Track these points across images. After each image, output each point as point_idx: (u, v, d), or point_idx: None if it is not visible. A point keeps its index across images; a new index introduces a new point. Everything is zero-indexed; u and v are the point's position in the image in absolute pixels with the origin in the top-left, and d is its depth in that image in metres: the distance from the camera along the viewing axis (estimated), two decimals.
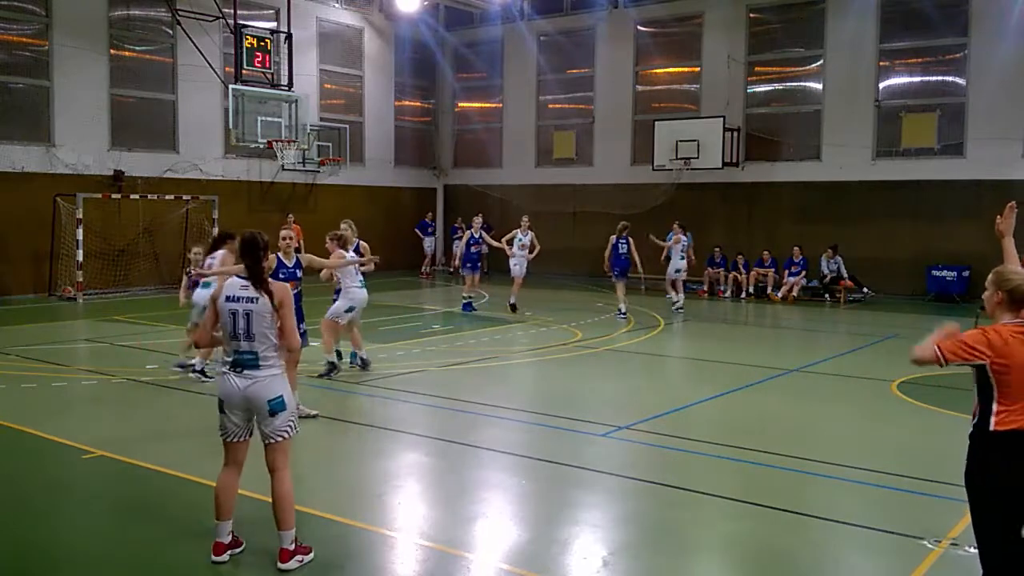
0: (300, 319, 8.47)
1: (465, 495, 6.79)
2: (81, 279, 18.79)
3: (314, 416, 8.73)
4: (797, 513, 6.29)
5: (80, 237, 18.61)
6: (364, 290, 10.63)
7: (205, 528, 6.13)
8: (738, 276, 21.66)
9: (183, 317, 13.84)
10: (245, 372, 5.24)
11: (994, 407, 3.95)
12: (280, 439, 5.27)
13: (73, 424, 8.67)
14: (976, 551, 4.20)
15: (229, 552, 5.34)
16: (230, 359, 5.31)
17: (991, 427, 3.94)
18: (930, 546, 5.59)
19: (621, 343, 14.07)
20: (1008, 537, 3.81)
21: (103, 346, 13.25)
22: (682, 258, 18.32)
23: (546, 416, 9.16)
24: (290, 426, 5.31)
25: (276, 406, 5.22)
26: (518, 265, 17.52)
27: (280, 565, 5.20)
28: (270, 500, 5.35)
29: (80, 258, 18.71)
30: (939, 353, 4.02)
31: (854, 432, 8.92)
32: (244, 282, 5.23)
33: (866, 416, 9.50)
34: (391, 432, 8.55)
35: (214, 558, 5.28)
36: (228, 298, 5.24)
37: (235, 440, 5.39)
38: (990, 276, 4.33)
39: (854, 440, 8.58)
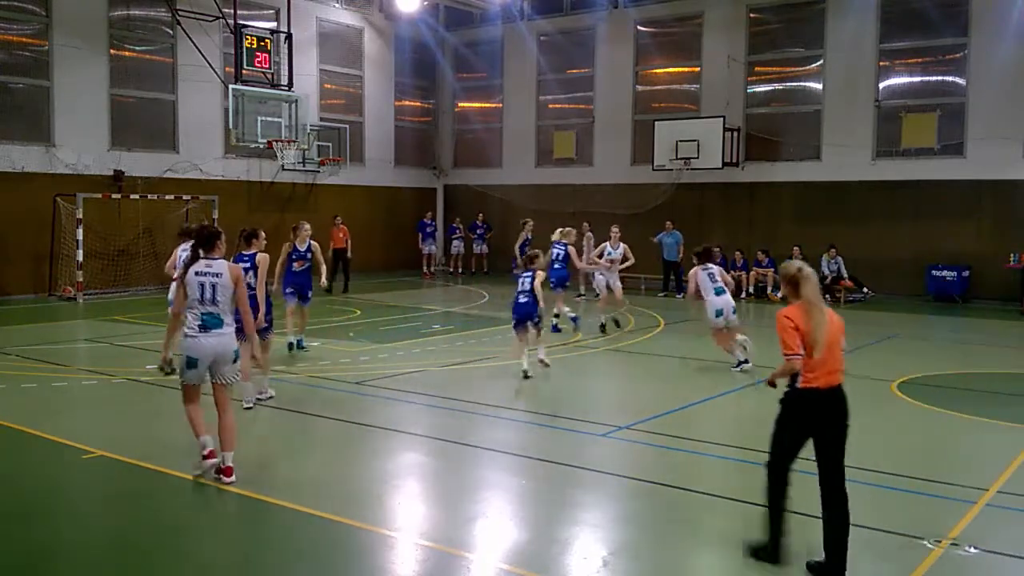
0: (308, 289, 12.40)
1: (465, 495, 6.78)
2: (81, 279, 18.79)
3: (270, 397, 9.45)
4: (797, 513, 6.28)
5: (80, 237, 18.61)
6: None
7: (205, 528, 6.14)
8: (735, 274, 21.63)
9: None
10: (212, 331, 6.69)
11: (805, 372, 5.29)
12: (231, 381, 6.93)
13: (73, 424, 8.67)
14: (976, 551, 5.22)
15: (214, 460, 6.80)
16: (198, 320, 6.67)
17: (799, 384, 5.34)
18: (930, 546, 5.59)
19: (621, 343, 14.07)
20: (792, 447, 5.55)
21: (103, 346, 13.25)
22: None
23: (546, 416, 9.16)
24: (238, 373, 7.07)
25: (235, 355, 6.88)
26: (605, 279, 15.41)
27: (225, 479, 6.70)
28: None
29: (80, 258, 18.70)
30: (788, 357, 5.27)
31: (854, 432, 8.86)
32: (208, 261, 6.72)
33: (866, 416, 9.48)
34: (391, 432, 8.55)
35: (210, 461, 6.80)
36: (197, 272, 6.68)
37: (196, 384, 6.88)
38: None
39: (854, 440, 8.51)
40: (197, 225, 7.22)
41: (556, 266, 14.52)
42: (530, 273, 11.34)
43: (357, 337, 14.35)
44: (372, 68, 26.76)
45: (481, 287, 22.19)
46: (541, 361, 11.31)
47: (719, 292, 11.84)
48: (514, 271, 18.25)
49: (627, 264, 15.44)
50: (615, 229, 15.80)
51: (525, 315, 11.25)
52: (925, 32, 20.79)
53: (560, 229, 15.11)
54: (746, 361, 11.55)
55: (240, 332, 7.11)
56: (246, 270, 8.94)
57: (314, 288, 12.72)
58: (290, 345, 12.34)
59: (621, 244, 15.39)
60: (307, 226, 12.40)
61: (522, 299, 11.30)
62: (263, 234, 9.55)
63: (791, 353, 5.26)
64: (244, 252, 9.42)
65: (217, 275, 6.68)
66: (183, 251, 9.86)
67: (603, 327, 14.83)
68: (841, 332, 5.46)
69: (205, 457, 6.80)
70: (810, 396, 5.30)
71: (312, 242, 12.43)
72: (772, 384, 5.50)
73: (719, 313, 11.81)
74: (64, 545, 5.71)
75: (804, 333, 5.24)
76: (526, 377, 10.82)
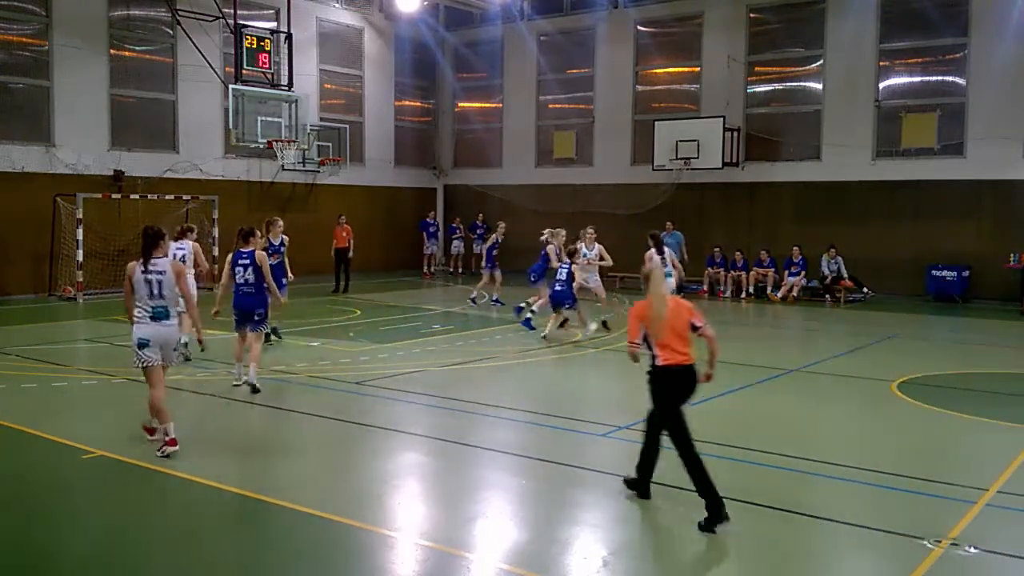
0: (283, 278, 12.86)
1: (465, 495, 6.79)
2: (81, 279, 18.78)
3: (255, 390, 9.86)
4: (797, 513, 6.28)
5: (80, 237, 18.60)
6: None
7: (205, 527, 6.14)
8: (735, 274, 21.66)
9: (182, 317, 13.81)
10: (161, 321, 7.57)
11: (655, 351, 6.37)
12: (172, 364, 7.97)
13: (73, 424, 8.67)
14: (976, 551, 5.37)
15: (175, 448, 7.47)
16: (148, 312, 7.54)
17: (658, 363, 6.37)
18: (930, 546, 5.59)
19: (621, 343, 14.06)
20: (666, 415, 6.45)
21: (103, 346, 13.25)
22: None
23: (546, 416, 9.16)
24: (180, 358, 8.52)
25: (178, 343, 7.99)
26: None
27: (171, 449, 7.42)
28: None
29: (80, 258, 18.70)
30: (631, 339, 6.46)
31: (854, 432, 8.92)
32: (153, 260, 7.53)
33: (866, 416, 9.49)
34: (391, 432, 8.55)
35: (171, 449, 7.43)
36: (143, 272, 7.50)
37: (153, 366, 7.61)
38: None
39: (854, 440, 8.58)
40: (145, 227, 7.79)
41: (558, 287, 14.21)
42: (567, 265, 14.16)
43: (357, 337, 14.35)
44: (372, 68, 26.76)
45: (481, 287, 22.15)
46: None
47: (667, 275, 13.04)
48: (484, 269, 18.86)
49: (604, 264, 15.64)
50: (590, 230, 15.86)
51: (559, 301, 14.09)
52: (925, 32, 20.79)
53: (550, 229, 15.50)
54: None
55: (255, 324, 9.85)
56: (245, 266, 10.04)
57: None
58: (267, 335, 12.44)
59: (596, 244, 15.62)
60: (280, 222, 13.22)
61: (558, 287, 14.06)
62: (281, 222, 12.73)
63: (631, 340, 6.47)
64: (243, 250, 10.05)
65: (161, 272, 7.53)
66: (178, 248, 11.43)
67: (604, 324, 15.09)
68: (687, 320, 6.41)
69: (166, 443, 7.53)
70: (665, 372, 6.37)
71: (284, 236, 13.30)
72: (636, 360, 6.60)
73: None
74: (64, 545, 5.71)
75: (647, 322, 6.36)
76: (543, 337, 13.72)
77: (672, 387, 6.37)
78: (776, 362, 12.44)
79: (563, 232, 15.80)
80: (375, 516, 6.26)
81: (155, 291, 7.48)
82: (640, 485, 6.59)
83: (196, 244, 12.08)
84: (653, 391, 6.48)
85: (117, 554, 5.64)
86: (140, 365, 7.65)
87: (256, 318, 10.13)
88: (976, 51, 20.10)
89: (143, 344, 7.56)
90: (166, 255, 7.70)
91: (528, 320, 14.88)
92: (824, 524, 6.16)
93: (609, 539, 5.90)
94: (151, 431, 7.83)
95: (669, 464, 7.64)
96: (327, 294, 20.25)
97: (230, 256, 10.28)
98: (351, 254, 21.42)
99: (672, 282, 13.26)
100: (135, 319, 7.58)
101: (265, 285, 10.09)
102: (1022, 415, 9.55)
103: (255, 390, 9.76)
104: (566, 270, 14.22)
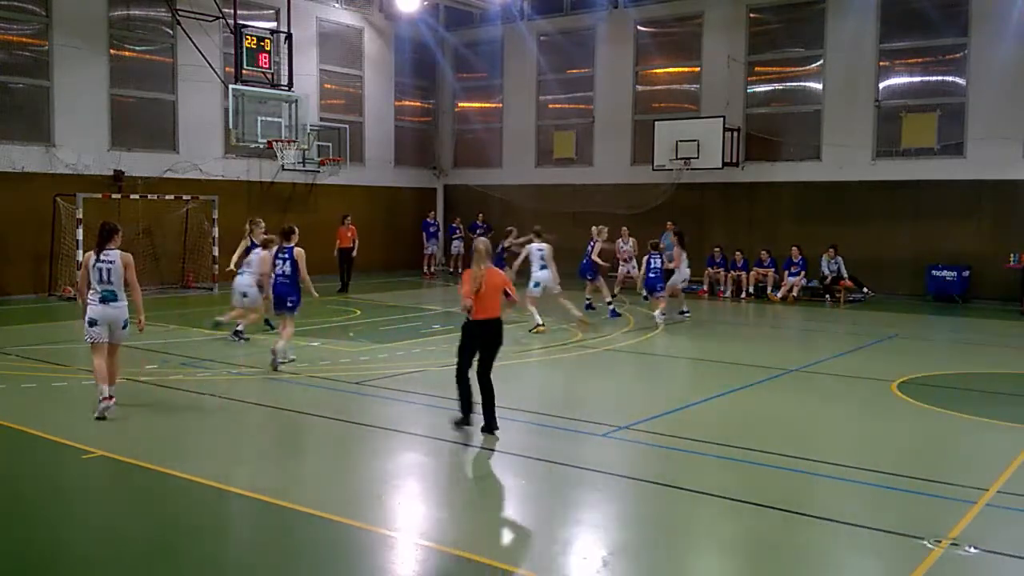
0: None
1: (465, 495, 6.79)
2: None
3: (292, 361, 11.48)
4: (797, 513, 6.29)
5: (80, 237, 18.57)
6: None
7: (205, 527, 6.14)
8: (735, 274, 21.66)
9: (182, 317, 13.89)
10: (109, 303, 8.64)
11: (474, 309, 8.08)
12: (119, 341, 8.97)
13: (73, 424, 8.66)
14: (976, 551, 5.47)
15: (111, 402, 8.67)
16: (99, 295, 8.62)
17: (470, 317, 8.18)
18: (930, 546, 5.59)
19: (621, 343, 14.07)
20: (467, 355, 8.25)
21: None
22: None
23: (546, 416, 9.16)
24: (127, 337, 9.12)
25: (125, 324, 8.86)
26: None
27: (105, 404, 8.62)
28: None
29: (80, 258, 18.67)
30: (466, 296, 8.13)
31: (854, 432, 8.92)
32: (106, 251, 8.62)
33: (866, 416, 9.50)
34: (391, 432, 8.55)
35: (105, 403, 8.59)
36: (97, 261, 8.62)
37: (100, 342, 8.74)
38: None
39: (854, 440, 8.59)
40: (103, 223, 9.06)
41: (652, 275, 16.24)
42: (658, 255, 16.35)
43: (357, 337, 14.36)
44: (372, 68, 26.76)
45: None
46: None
47: (543, 267, 14.85)
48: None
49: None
50: (537, 229, 16.59)
51: (652, 287, 16.30)
52: (925, 32, 20.79)
53: (597, 227, 17.53)
54: (542, 325, 14.52)
55: (288, 309, 11.35)
56: (283, 260, 11.46)
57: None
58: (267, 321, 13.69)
59: (546, 245, 16.12)
60: (262, 223, 13.91)
61: (651, 275, 16.23)
62: (263, 223, 13.23)
63: (465, 297, 8.14)
64: (285, 245, 11.57)
65: (111, 262, 8.63)
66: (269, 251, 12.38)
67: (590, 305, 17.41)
68: (500, 286, 8.22)
69: (103, 400, 8.62)
70: (475, 324, 8.18)
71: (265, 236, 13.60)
72: (467, 311, 8.15)
73: (537, 284, 14.97)
74: (64, 545, 5.71)
75: (473, 283, 8.08)
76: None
77: (479, 334, 8.21)
78: (776, 362, 12.44)
79: (606, 229, 18.07)
80: (375, 516, 6.27)
81: (104, 277, 8.61)
82: (464, 413, 8.25)
83: (300, 249, 11.60)
84: (463, 335, 8.29)
85: (117, 554, 5.64)
86: (89, 341, 8.74)
87: (289, 304, 11.43)
88: (976, 51, 20.10)
89: (92, 323, 8.70)
90: (118, 248, 8.76)
91: (613, 309, 16.97)
92: (824, 524, 6.16)
93: (609, 539, 5.90)
94: (107, 398, 8.75)
95: (668, 464, 7.66)
96: (333, 293, 20.17)
97: (272, 251, 11.85)
98: (355, 254, 21.41)
99: (546, 274, 14.96)
100: (88, 301, 8.69)
101: (300, 278, 11.42)
102: (1022, 415, 9.56)
103: (276, 366, 11.08)
104: (658, 259, 16.39)
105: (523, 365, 12.24)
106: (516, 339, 14.25)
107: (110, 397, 8.66)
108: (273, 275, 11.57)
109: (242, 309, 13.32)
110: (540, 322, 14.69)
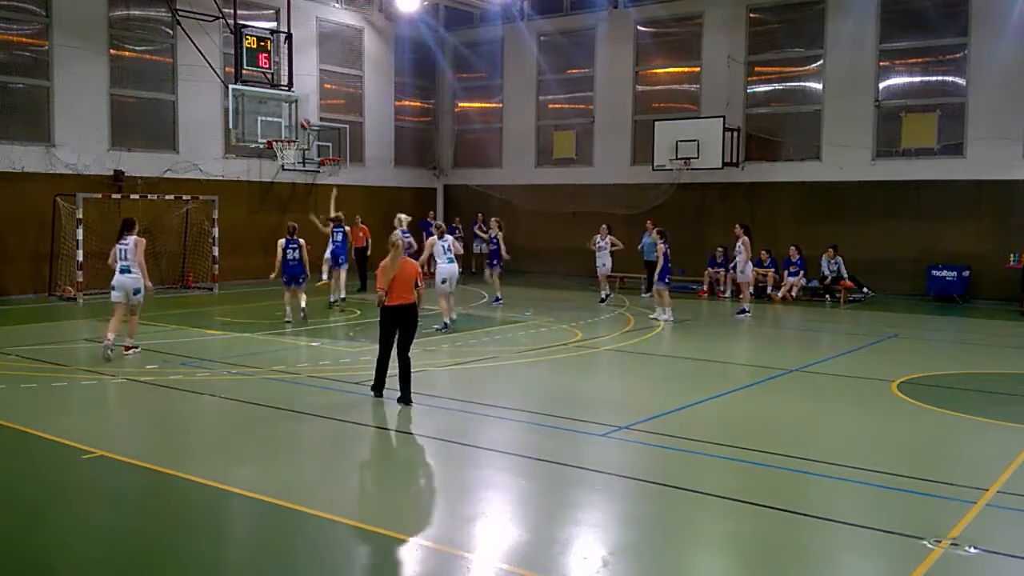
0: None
1: (465, 495, 6.79)
2: (81, 279, 18.78)
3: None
4: (797, 513, 6.29)
5: (80, 237, 18.59)
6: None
7: (205, 527, 6.14)
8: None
9: (182, 317, 13.89)
10: (125, 274, 11.89)
11: (388, 296, 9.15)
12: (136, 304, 12.15)
13: (73, 424, 8.67)
14: (976, 551, 5.49)
15: (112, 346, 11.61)
16: (118, 268, 11.89)
17: (386, 303, 9.15)
18: (930, 546, 5.59)
19: (621, 343, 14.07)
20: (383, 338, 9.31)
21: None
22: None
23: (546, 416, 9.16)
24: (141, 300, 12.23)
25: (137, 292, 11.98)
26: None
27: (128, 352, 11.92)
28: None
29: (80, 258, 18.68)
30: (379, 289, 9.20)
31: (854, 432, 8.92)
32: (125, 238, 11.96)
33: (866, 416, 9.50)
34: (391, 432, 8.55)
35: (105, 344, 11.56)
36: (118, 243, 11.98)
37: (119, 303, 11.95)
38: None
39: (854, 440, 8.59)
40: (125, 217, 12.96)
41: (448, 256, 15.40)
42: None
43: (357, 337, 14.36)
44: (372, 68, 26.76)
45: (481, 287, 22.19)
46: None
47: (450, 260, 14.96)
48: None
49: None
50: (475, 219, 17.55)
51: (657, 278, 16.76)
52: (925, 32, 20.80)
53: (494, 219, 17.54)
54: (453, 322, 14.87)
55: (299, 284, 15.16)
56: (295, 248, 15.01)
57: None
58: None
59: (450, 237, 16.68)
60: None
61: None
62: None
63: (380, 288, 9.16)
64: (291, 238, 15.01)
65: (127, 245, 11.93)
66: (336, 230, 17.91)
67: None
68: (413, 275, 9.26)
69: (104, 342, 11.57)
70: (391, 310, 9.19)
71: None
72: (380, 305, 9.19)
73: (444, 280, 14.88)
74: (64, 545, 5.71)
75: (388, 274, 9.05)
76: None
77: (396, 318, 9.19)
78: (776, 362, 12.44)
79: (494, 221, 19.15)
80: (375, 516, 6.26)
81: (122, 255, 11.91)
82: (377, 388, 9.53)
83: (349, 228, 18.16)
84: (381, 321, 9.26)
85: (117, 554, 5.64)
86: (112, 301, 12.08)
87: (300, 280, 15.15)
88: (976, 51, 20.10)
89: (112, 288, 12.03)
90: (134, 235, 11.99)
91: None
92: (824, 524, 6.16)
93: (609, 539, 5.90)
94: (128, 348, 12.01)
95: (669, 464, 7.66)
96: (353, 292, 19.94)
97: (282, 241, 14.99)
98: (369, 252, 21.32)
99: (452, 268, 15.01)
100: (116, 271, 11.96)
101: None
102: (1022, 415, 9.56)
103: (306, 317, 15.02)
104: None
105: (523, 365, 12.24)
106: (516, 339, 14.27)
107: (108, 340, 11.57)
108: (284, 259, 15.01)
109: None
110: (447, 322, 14.65)
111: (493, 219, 19.96)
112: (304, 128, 20.14)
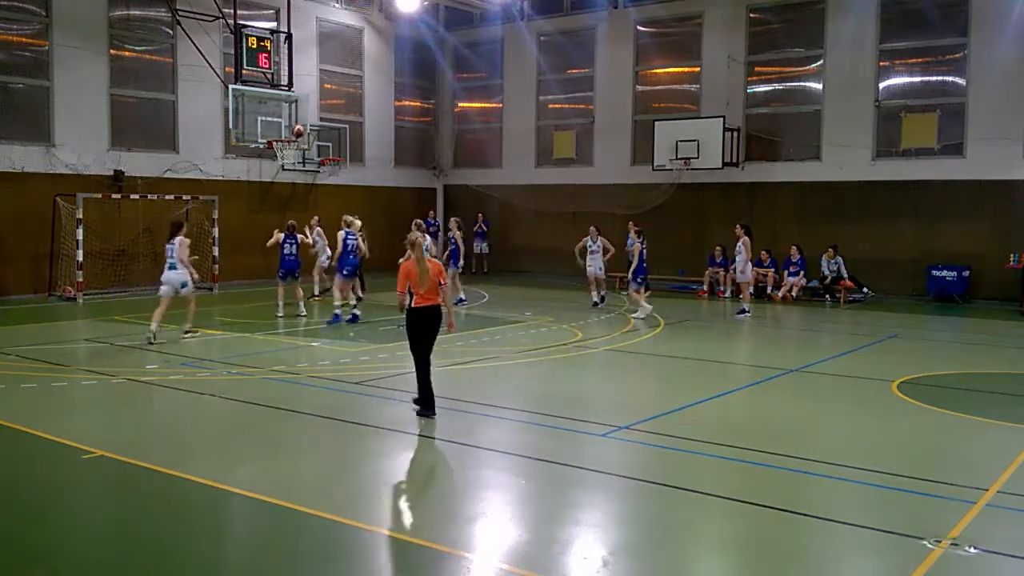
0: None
1: (465, 495, 6.79)
2: (81, 279, 18.78)
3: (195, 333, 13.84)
4: (797, 513, 6.29)
5: (80, 237, 18.60)
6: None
7: (205, 527, 6.14)
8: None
9: (182, 317, 13.89)
10: (171, 271, 13.24)
11: (413, 298, 8.74)
12: (189, 296, 13.56)
13: (73, 424, 8.67)
14: (976, 551, 5.48)
15: (156, 332, 13.03)
16: (167, 265, 13.29)
17: (412, 305, 8.77)
18: (930, 546, 5.59)
19: (621, 343, 14.07)
20: (415, 346, 8.89)
21: (103, 346, 13.25)
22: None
23: (546, 416, 9.16)
24: (191, 292, 13.62)
25: (183, 286, 13.37)
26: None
27: (188, 335, 13.51)
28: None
29: (80, 258, 18.69)
30: (399, 293, 8.84)
31: (854, 432, 8.92)
32: (172, 239, 13.33)
33: (866, 416, 9.49)
34: (391, 432, 8.55)
35: (154, 329, 13.02)
36: (167, 244, 13.34)
37: (167, 296, 13.23)
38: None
39: (854, 440, 8.59)
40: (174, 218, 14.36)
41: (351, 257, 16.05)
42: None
43: (357, 337, 14.36)
44: (372, 68, 26.76)
45: (481, 287, 22.19)
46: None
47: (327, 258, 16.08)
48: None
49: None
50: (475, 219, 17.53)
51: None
52: (925, 32, 20.79)
53: (346, 217, 16.80)
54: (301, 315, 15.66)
55: (295, 277, 16.21)
56: (291, 244, 16.00)
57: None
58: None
59: (428, 237, 16.97)
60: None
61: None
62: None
63: (400, 292, 8.84)
64: (288, 233, 15.91)
65: (173, 245, 13.27)
66: (347, 234, 16.53)
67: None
68: (439, 275, 8.84)
69: (155, 328, 13.00)
70: (417, 311, 8.80)
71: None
72: (402, 309, 8.88)
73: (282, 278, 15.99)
74: (64, 545, 5.71)
75: (412, 277, 8.71)
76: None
77: (422, 320, 8.81)
78: (776, 362, 12.44)
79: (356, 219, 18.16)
80: (375, 516, 6.27)
81: (170, 254, 13.33)
82: (425, 404, 8.96)
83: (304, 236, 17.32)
84: (409, 326, 8.86)
85: (117, 554, 5.64)
86: (160, 295, 13.35)
87: (296, 275, 16.10)
88: (976, 51, 20.10)
89: (161, 284, 13.45)
90: (181, 236, 13.32)
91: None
92: (824, 524, 6.16)
93: (609, 539, 5.90)
94: (188, 331, 13.60)
95: (669, 464, 7.66)
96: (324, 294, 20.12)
97: (281, 235, 15.96)
98: (366, 255, 21.30)
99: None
100: (166, 267, 13.40)
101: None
102: (1022, 415, 9.56)
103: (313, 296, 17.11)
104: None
105: (523, 365, 12.24)
106: (516, 339, 14.27)
107: (191, 330, 13.61)
108: (282, 254, 16.02)
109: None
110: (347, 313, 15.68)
111: (452, 219, 19.84)
112: (299, 136, 20.07)
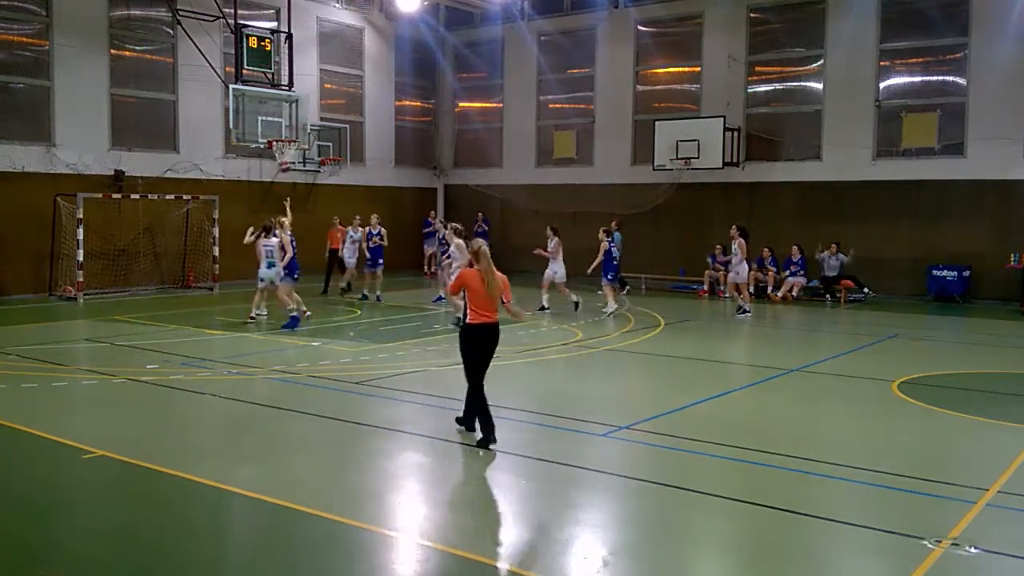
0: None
1: (465, 495, 6.79)
2: (81, 279, 18.79)
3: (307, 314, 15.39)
4: (797, 513, 6.29)
5: (80, 237, 18.60)
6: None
7: (206, 527, 6.14)
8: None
9: (183, 316, 13.89)
10: (269, 268, 15.00)
11: (467, 311, 7.96)
12: (278, 286, 14.98)
13: (73, 424, 8.67)
14: (976, 551, 5.49)
15: (256, 315, 15.34)
16: (264, 264, 15.06)
17: (467, 321, 7.98)
18: (930, 546, 5.59)
19: (621, 343, 14.07)
20: (469, 368, 8.03)
21: (103, 346, 13.25)
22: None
23: (546, 416, 9.16)
24: (285, 286, 15.00)
25: (281, 279, 14.98)
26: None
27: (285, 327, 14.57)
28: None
29: (80, 258, 18.70)
30: (448, 289, 8.83)
31: (854, 432, 8.92)
32: (268, 238, 15.15)
33: (866, 416, 9.49)
34: (391, 432, 8.55)
35: (256, 312, 15.45)
36: (264, 244, 15.16)
37: (263, 288, 15.22)
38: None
39: (854, 440, 8.58)
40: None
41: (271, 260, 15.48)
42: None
43: (357, 337, 14.36)
44: (372, 68, 26.76)
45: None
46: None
47: (270, 265, 15.13)
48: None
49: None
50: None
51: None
52: (925, 32, 20.79)
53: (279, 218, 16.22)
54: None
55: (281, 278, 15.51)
56: (269, 249, 15.27)
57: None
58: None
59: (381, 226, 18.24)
60: None
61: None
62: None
63: (452, 291, 8.55)
64: (267, 239, 15.29)
65: (270, 245, 14.93)
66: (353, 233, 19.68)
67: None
68: (505, 288, 7.95)
69: (255, 313, 15.29)
70: (474, 328, 7.94)
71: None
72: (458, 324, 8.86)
73: (261, 280, 15.48)
74: (64, 545, 5.71)
75: (473, 289, 7.86)
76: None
77: (478, 339, 7.93)
78: (776, 362, 12.44)
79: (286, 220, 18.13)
80: (375, 516, 6.26)
81: (268, 254, 14.94)
82: (468, 423, 8.21)
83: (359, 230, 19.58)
84: (463, 343, 8.04)
85: (117, 554, 5.64)
86: (259, 287, 15.20)
87: (295, 276, 15.64)
88: (976, 51, 20.10)
89: (259, 279, 15.13)
90: (273, 236, 15.00)
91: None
92: (824, 524, 6.16)
93: (609, 539, 5.90)
94: (251, 317, 15.33)
95: (669, 464, 7.66)
96: (337, 294, 20.17)
97: (259, 241, 15.56)
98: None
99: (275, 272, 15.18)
100: (263, 263, 15.03)
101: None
102: (1022, 415, 9.56)
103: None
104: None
105: (523, 365, 12.24)
106: (515, 339, 14.27)
107: (295, 313, 14.80)
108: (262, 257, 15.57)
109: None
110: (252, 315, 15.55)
111: (373, 216, 19.89)
112: (286, 171, 20.44)
